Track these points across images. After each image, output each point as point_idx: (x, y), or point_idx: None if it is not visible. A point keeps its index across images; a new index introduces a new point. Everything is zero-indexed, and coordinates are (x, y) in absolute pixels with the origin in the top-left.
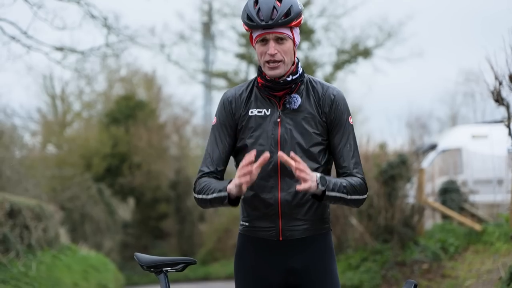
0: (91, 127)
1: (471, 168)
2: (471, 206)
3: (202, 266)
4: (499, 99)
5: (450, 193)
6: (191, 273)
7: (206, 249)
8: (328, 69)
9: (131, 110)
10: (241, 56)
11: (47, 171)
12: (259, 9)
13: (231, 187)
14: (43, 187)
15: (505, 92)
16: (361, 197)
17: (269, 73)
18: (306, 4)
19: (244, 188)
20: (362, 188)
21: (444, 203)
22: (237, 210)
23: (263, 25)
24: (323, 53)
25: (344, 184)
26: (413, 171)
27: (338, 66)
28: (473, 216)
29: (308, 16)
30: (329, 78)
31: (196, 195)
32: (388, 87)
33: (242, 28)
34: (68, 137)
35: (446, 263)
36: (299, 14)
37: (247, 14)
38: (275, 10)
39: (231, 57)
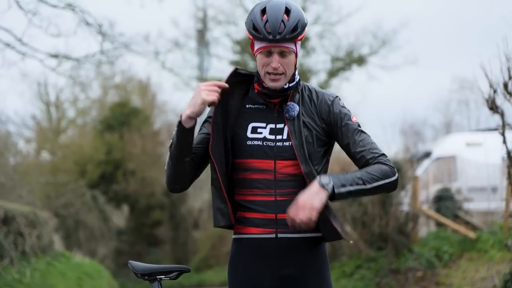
0: (85, 134)
1: (466, 175)
2: (466, 213)
3: (196, 273)
4: (493, 107)
5: (445, 201)
6: (185, 280)
7: (200, 256)
8: (322, 76)
9: (126, 117)
10: (236, 63)
11: (41, 177)
12: (266, 21)
13: (187, 111)
14: (37, 194)
15: (499, 100)
16: (386, 181)
17: (270, 84)
18: None
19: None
20: (385, 172)
21: (438, 210)
22: None
23: (269, 39)
24: (317, 61)
25: (359, 175)
26: (407, 179)
27: (332, 73)
28: (467, 223)
29: None
30: (324, 85)
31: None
32: (382, 95)
33: (236, 36)
34: (62, 143)
35: (440, 271)
36: (304, 28)
37: (253, 24)
38: (283, 24)
39: (226, 64)
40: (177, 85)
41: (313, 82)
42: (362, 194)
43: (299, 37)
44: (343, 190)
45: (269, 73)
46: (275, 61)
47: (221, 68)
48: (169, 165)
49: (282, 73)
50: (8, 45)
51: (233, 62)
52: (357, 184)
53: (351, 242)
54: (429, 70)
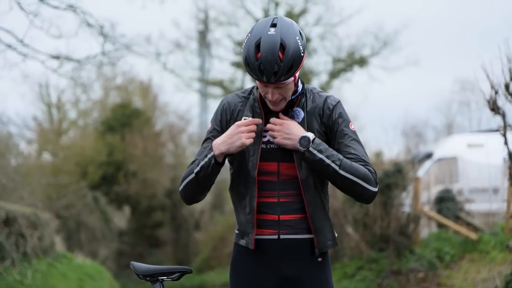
0: (86, 135)
1: (467, 177)
2: (467, 215)
3: (197, 274)
4: (495, 108)
5: (446, 202)
6: (186, 281)
7: (202, 258)
8: (324, 77)
9: (127, 118)
10: (237, 65)
11: (42, 179)
12: (260, 62)
13: (223, 149)
14: (39, 195)
15: (501, 101)
16: (362, 183)
17: (271, 108)
18: (302, 13)
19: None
20: (368, 177)
21: (439, 212)
22: (233, 218)
23: (264, 81)
24: (319, 62)
25: (341, 158)
26: (409, 180)
27: (334, 74)
28: (468, 225)
29: (304, 25)
30: (325, 86)
31: (181, 185)
32: (383, 96)
33: (238, 37)
34: (63, 145)
35: (441, 272)
36: (301, 60)
37: (247, 61)
38: (277, 66)
39: (227, 66)
40: (179, 86)
41: (315, 83)
42: (330, 176)
43: (296, 73)
44: (317, 153)
45: (268, 100)
46: (272, 94)
47: (222, 69)
48: (193, 188)
49: (282, 99)
50: (9, 46)
51: (234, 63)
52: (333, 162)
53: (320, 259)
54: (430, 71)
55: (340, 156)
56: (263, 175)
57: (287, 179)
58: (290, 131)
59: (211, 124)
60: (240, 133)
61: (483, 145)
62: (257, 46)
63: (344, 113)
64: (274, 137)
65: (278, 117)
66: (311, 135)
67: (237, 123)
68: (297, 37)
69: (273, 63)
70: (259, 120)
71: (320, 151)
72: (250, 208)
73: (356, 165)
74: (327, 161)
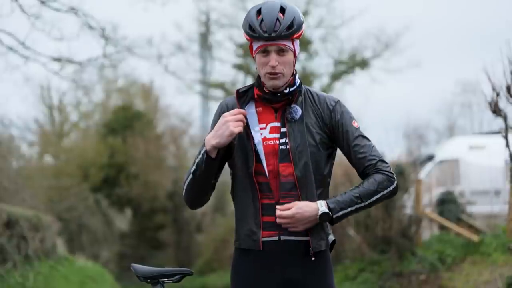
0: (88, 137)
1: (469, 179)
2: (469, 217)
3: (199, 276)
4: (496, 110)
5: (448, 204)
6: (188, 283)
7: (203, 260)
8: (325, 79)
9: (129, 121)
10: (239, 67)
11: (44, 181)
12: (262, 20)
13: (213, 142)
14: (40, 198)
15: (502, 103)
16: (384, 192)
17: (269, 83)
18: (303, 15)
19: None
20: (382, 183)
21: (441, 214)
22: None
23: (265, 37)
24: (320, 64)
25: (357, 193)
26: (410, 182)
27: (335, 76)
28: (470, 227)
29: (306, 27)
30: (327, 89)
31: (183, 190)
32: (385, 98)
33: (239, 39)
34: (65, 147)
35: (443, 274)
36: (301, 26)
37: (249, 24)
38: (278, 22)
39: (229, 68)
40: (180, 89)
41: (316, 86)
42: (362, 210)
43: (296, 35)
44: (341, 213)
45: (268, 73)
46: (273, 59)
47: (224, 71)
48: (193, 189)
49: (281, 73)
50: (11, 48)
51: (236, 66)
52: (356, 203)
53: (313, 259)
54: (432, 74)
55: (355, 192)
56: (262, 176)
57: (287, 180)
58: (304, 216)
59: (211, 128)
60: (226, 123)
61: (484, 147)
62: (258, 11)
63: (345, 111)
64: (294, 228)
65: (274, 108)
66: (323, 207)
67: (223, 114)
68: (298, 10)
69: (274, 19)
70: (244, 111)
71: (342, 209)
72: (255, 209)
73: (370, 183)
74: (352, 208)
